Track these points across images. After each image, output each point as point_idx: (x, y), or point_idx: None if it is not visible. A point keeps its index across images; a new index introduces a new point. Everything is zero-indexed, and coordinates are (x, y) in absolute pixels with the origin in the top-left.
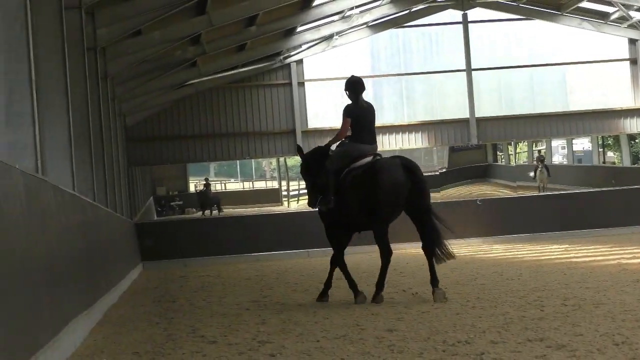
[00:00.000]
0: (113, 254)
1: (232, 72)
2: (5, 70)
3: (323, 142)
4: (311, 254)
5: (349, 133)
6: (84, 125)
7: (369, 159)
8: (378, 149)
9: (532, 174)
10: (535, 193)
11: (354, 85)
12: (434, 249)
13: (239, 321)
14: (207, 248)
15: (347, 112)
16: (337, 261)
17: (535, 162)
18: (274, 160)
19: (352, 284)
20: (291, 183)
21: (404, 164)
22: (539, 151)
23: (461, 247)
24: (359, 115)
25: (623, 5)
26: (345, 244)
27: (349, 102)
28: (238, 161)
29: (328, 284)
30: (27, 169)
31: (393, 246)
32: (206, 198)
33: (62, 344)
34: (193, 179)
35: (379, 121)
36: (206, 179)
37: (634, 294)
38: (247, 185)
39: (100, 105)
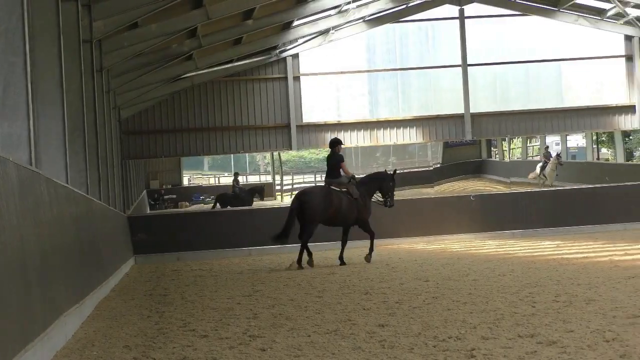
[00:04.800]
0: (105, 248)
1: (228, 65)
2: (1, 62)
3: (317, 137)
4: None
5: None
6: (79, 118)
7: None
8: (373, 144)
9: (537, 170)
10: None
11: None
12: None
13: (230, 315)
14: (200, 242)
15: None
16: None
17: (543, 158)
18: (268, 155)
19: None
20: (285, 177)
21: None
22: (547, 147)
23: (454, 243)
24: None
25: (619, 1)
26: None
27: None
28: (232, 155)
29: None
30: (20, 162)
31: (385, 241)
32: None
33: (53, 337)
34: (187, 172)
35: (374, 116)
36: (236, 174)
37: (625, 291)
38: (241, 180)
39: (95, 98)
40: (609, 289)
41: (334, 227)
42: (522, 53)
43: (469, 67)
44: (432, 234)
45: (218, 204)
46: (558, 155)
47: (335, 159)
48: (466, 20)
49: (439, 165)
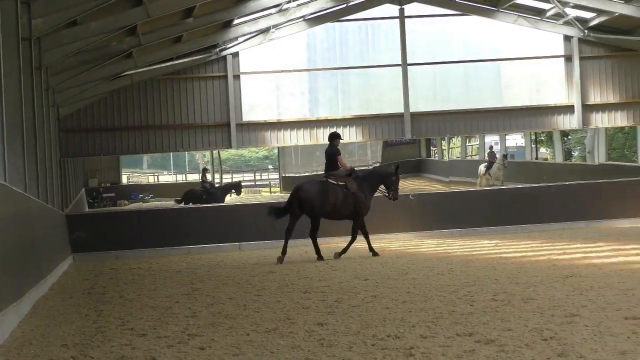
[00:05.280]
0: (43, 246)
1: (168, 64)
2: None
3: (257, 135)
4: (242, 247)
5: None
6: (17, 115)
7: None
8: (313, 143)
9: (482, 170)
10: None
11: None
12: None
13: (169, 314)
14: (139, 240)
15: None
16: None
17: (487, 158)
18: (207, 153)
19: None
20: (224, 176)
21: None
22: (491, 147)
23: (393, 241)
24: None
25: (559, 1)
26: None
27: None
28: (171, 154)
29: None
30: None
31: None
32: (209, 195)
33: None
34: (126, 171)
35: (314, 115)
36: (204, 170)
37: (564, 290)
38: (180, 178)
39: (34, 96)
40: (547, 287)
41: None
42: (462, 53)
43: (409, 67)
44: (372, 232)
45: (184, 201)
46: (504, 155)
47: (332, 153)
48: (406, 20)
49: (378, 164)
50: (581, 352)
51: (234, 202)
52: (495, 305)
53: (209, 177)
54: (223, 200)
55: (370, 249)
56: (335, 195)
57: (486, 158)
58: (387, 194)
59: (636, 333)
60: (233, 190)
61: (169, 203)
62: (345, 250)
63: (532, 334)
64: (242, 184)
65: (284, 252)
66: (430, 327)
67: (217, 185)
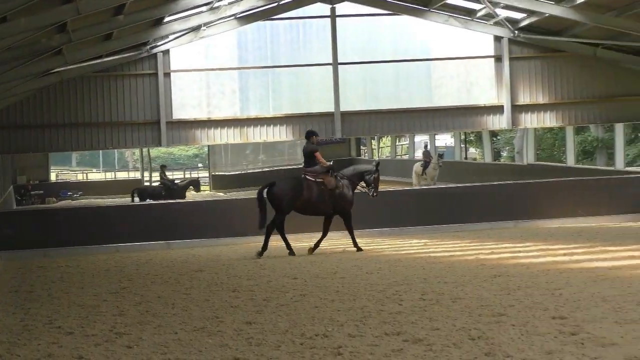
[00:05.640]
0: None
1: (98, 61)
2: None
3: (187, 133)
4: (171, 245)
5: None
6: None
7: None
8: (243, 141)
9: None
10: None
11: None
12: None
13: (96, 312)
14: (67, 238)
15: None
16: None
17: (423, 157)
18: (137, 151)
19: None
20: (154, 174)
21: None
22: (426, 146)
23: (322, 241)
24: None
25: (489, 2)
26: None
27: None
28: (101, 151)
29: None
30: None
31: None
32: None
33: None
34: (55, 168)
35: (244, 113)
36: (162, 167)
37: (491, 289)
38: (110, 176)
39: None
40: (475, 287)
41: (311, 216)
42: (392, 52)
43: (339, 66)
44: (301, 231)
45: (137, 198)
46: (440, 155)
47: (309, 149)
48: (337, 19)
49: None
50: (508, 351)
51: (163, 201)
52: (423, 304)
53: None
54: (183, 197)
55: (355, 244)
56: (309, 192)
57: (420, 157)
58: (367, 190)
59: (563, 333)
60: (191, 187)
61: (98, 201)
62: (317, 245)
63: (460, 333)
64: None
65: (264, 247)
66: (359, 326)
67: (176, 182)
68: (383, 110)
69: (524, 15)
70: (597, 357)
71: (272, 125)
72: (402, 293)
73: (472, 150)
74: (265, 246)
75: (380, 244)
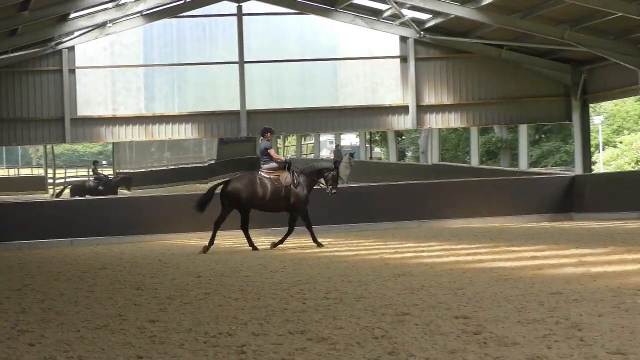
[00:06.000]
0: None
1: (2, 57)
2: None
3: (92, 130)
4: (74, 243)
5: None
6: None
7: None
8: (148, 139)
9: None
10: None
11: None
12: None
13: None
14: None
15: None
16: None
17: (334, 157)
18: (41, 148)
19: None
20: (57, 171)
21: None
22: (337, 146)
23: (228, 239)
24: None
25: (396, 2)
26: None
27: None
28: (4, 147)
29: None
30: None
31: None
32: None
33: None
34: None
35: (149, 111)
36: (95, 163)
37: (395, 289)
38: (13, 172)
39: None
40: (378, 286)
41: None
42: (299, 52)
43: (245, 64)
44: (207, 229)
45: (72, 195)
46: (351, 154)
47: (263, 147)
48: (244, 18)
49: (213, 162)
50: (411, 350)
51: (67, 199)
52: (327, 303)
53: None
54: (116, 193)
55: (315, 240)
56: (264, 189)
57: (332, 157)
58: (325, 187)
59: (465, 332)
60: (124, 184)
61: (1, 197)
62: (282, 241)
63: (364, 332)
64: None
65: (211, 242)
66: (263, 324)
67: (110, 178)
68: (289, 109)
69: (430, 16)
70: (500, 357)
71: (177, 123)
72: (306, 292)
73: (377, 150)
74: (212, 240)
75: (285, 242)
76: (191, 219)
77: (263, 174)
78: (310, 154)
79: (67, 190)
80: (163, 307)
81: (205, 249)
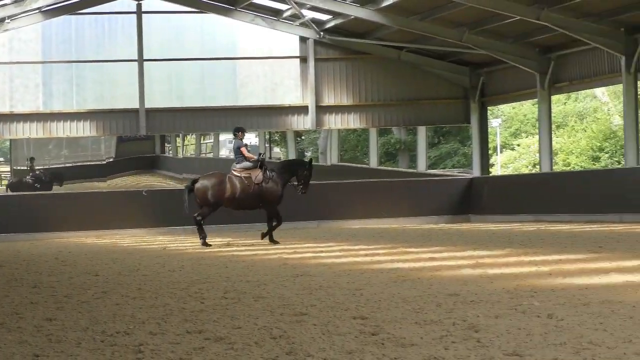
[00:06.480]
0: None
1: None
2: None
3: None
4: None
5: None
6: None
7: None
8: (47, 136)
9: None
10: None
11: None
12: None
13: None
14: None
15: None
16: None
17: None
18: None
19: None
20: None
21: None
22: (246, 145)
23: (125, 238)
24: None
25: (296, 3)
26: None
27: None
28: None
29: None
30: None
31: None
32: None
33: None
34: None
35: (47, 108)
36: (32, 159)
37: (293, 289)
38: None
39: None
40: (277, 286)
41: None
42: (199, 50)
43: (145, 62)
44: (104, 228)
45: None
46: (260, 154)
47: (236, 145)
48: (144, 15)
49: (112, 160)
50: (309, 350)
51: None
52: (225, 303)
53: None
54: (51, 189)
55: (270, 235)
56: (233, 187)
57: (229, 155)
58: (297, 186)
59: (363, 333)
60: (56, 179)
61: None
62: (268, 234)
63: (262, 332)
64: None
65: (203, 236)
66: (160, 324)
67: (41, 174)
68: (188, 108)
69: (330, 17)
70: (397, 358)
71: (75, 121)
72: (205, 291)
73: (276, 150)
74: (204, 235)
75: (184, 242)
76: (89, 217)
77: (235, 172)
78: (210, 153)
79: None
80: (60, 305)
81: (206, 244)
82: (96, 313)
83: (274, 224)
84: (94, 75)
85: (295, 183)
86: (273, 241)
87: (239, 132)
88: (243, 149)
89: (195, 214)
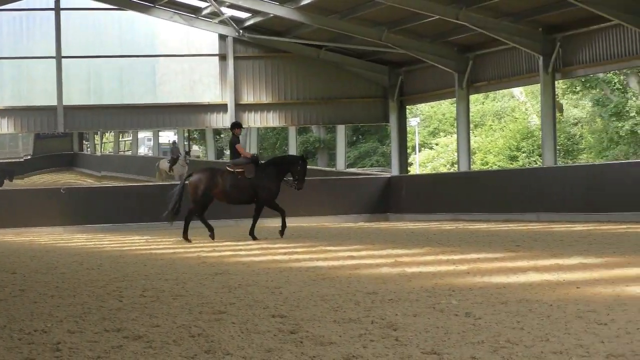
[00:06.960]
0: None
1: None
2: None
3: None
4: None
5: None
6: None
7: None
8: None
9: (166, 164)
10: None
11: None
12: None
13: None
14: None
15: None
16: None
17: (171, 154)
18: None
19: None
20: None
21: None
22: (174, 142)
23: (43, 235)
24: None
25: (215, 0)
26: None
27: None
28: None
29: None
30: None
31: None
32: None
33: None
34: None
35: None
36: None
37: (212, 287)
38: None
39: None
40: (196, 284)
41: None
42: (117, 47)
43: (63, 59)
44: (21, 225)
45: None
46: (187, 152)
47: (231, 142)
48: (62, 12)
49: (29, 157)
50: (228, 349)
51: None
52: (144, 301)
53: None
54: (1, 184)
55: (252, 231)
56: (224, 183)
57: (169, 154)
58: (291, 182)
59: (282, 331)
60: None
61: None
62: (283, 228)
63: (180, 330)
64: None
65: (209, 228)
66: (78, 322)
67: None
68: (107, 106)
69: (249, 14)
70: (316, 356)
71: None
72: (123, 289)
73: (195, 147)
74: (185, 232)
75: (102, 240)
76: (6, 215)
77: (229, 168)
78: (128, 150)
79: None
80: None
81: (213, 236)
82: (13, 311)
83: (282, 217)
84: (11, 72)
85: (290, 179)
86: (280, 232)
87: (235, 128)
88: (239, 146)
89: (189, 211)
